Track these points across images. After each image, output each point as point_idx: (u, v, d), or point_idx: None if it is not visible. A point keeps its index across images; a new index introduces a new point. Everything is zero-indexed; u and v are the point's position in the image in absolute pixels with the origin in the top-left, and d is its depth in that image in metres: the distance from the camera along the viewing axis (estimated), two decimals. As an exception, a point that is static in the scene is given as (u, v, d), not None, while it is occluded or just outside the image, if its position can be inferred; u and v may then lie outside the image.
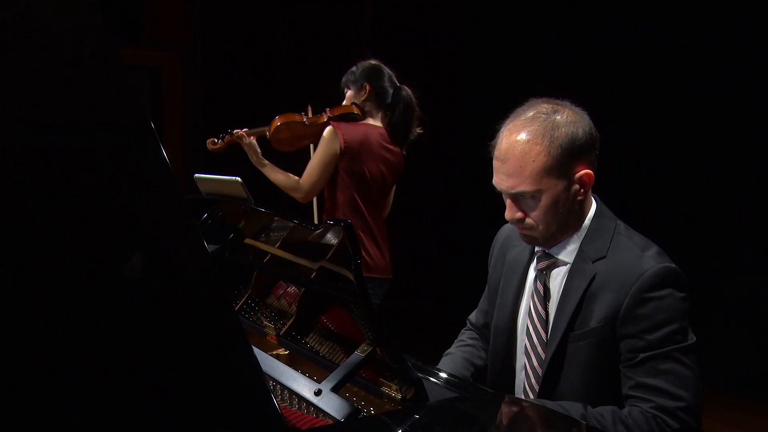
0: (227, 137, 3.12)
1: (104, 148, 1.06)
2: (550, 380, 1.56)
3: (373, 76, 3.10)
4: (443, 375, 1.53)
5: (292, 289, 1.72)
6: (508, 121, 1.54)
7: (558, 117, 1.50)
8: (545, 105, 1.53)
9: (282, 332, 1.69)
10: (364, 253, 3.03)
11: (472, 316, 1.91)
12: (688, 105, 4.19)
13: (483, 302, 1.86)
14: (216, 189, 1.79)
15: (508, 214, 1.56)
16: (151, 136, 1.07)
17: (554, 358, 1.54)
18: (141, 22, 5.32)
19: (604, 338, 1.49)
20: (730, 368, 3.86)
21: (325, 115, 3.08)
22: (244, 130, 3.11)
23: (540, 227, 1.54)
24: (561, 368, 1.54)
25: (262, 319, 1.78)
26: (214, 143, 3.19)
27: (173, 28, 5.44)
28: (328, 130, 2.98)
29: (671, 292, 1.46)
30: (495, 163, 1.54)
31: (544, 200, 1.50)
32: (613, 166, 4.44)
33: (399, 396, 1.35)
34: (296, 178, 3.05)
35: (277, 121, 3.10)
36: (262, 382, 1.04)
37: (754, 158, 3.97)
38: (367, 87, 3.08)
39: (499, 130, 1.55)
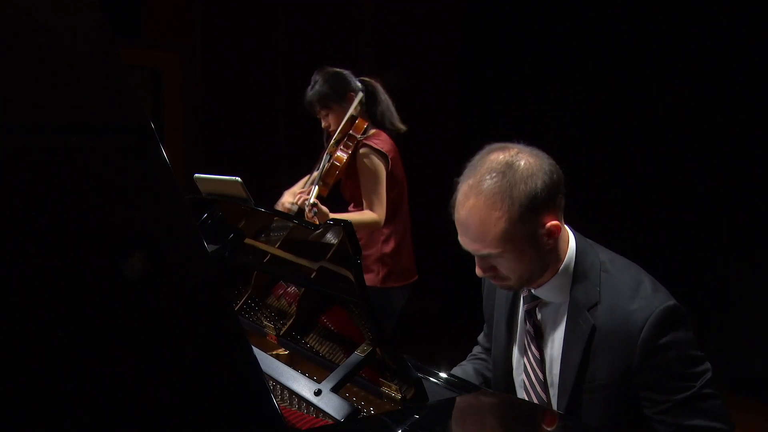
0: (316, 210, 2.85)
1: (104, 149, 1.06)
2: None
3: (345, 82, 3.03)
4: (443, 375, 1.53)
5: (292, 289, 1.72)
6: (463, 179, 1.48)
7: (514, 171, 1.43)
8: (500, 155, 1.46)
9: (282, 332, 1.69)
10: (398, 258, 3.01)
11: (480, 337, 1.92)
12: (685, 106, 4.19)
13: (485, 327, 1.87)
14: (216, 189, 1.79)
15: (478, 272, 1.55)
16: (151, 136, 1.07)
17: (567, 411, 1.52)
18: (141, 22, 5.32)
19: (620, 390, 1.47)
20: (730, 368, 3.85)
21: (354, 139, 2.97)
22: (309, 202, 2.85)
23: (512, 279, 1.51)
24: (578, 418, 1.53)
25: (262, 319, 1.78)
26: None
27: (173, 28, 5.44)
28: (367, 152, 2.93)
29: (678, 333, 1.44)
30: (457, 226, 1.50)
31: (512, 257, 1.46)
32: (609, 165, 4.47)
33: (399, 396, 1.35)
34: (368, 212, 2.94)
35: (328, 186, 2.95)
36: (262, 382, 1.04)
37: (751, 160, 3.97)
38: (352, 95, 3.01)
39: (456, 186, 1.50)
